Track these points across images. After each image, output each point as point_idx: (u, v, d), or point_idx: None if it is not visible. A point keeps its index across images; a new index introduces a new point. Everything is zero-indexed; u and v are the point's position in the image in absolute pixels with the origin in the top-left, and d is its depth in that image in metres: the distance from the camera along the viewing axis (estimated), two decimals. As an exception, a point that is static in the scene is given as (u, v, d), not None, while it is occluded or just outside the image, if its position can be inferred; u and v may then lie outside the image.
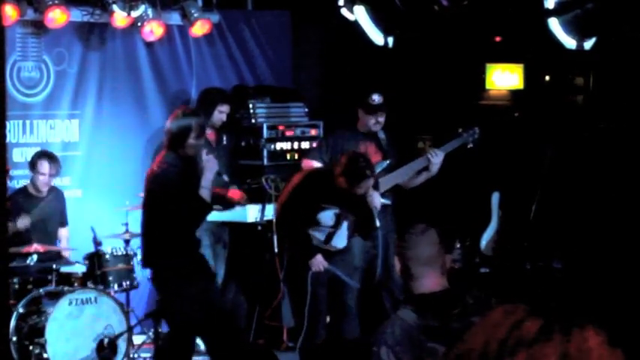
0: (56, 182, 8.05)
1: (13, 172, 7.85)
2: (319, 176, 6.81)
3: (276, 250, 7.51)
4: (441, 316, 3.58)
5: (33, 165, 7.64)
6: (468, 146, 7.47)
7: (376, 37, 7.49)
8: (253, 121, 8.51)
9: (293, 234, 6.85)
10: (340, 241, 6.73)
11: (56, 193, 7.91)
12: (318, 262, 6.73)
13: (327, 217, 6.66)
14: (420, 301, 3.66)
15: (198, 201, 6.22)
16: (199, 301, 6.22)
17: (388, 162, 7.21)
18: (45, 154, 7.69)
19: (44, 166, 7.60)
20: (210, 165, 6.28)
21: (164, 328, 7.71)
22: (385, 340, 3.57)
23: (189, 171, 6.28)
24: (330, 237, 6.72)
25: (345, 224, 6.72)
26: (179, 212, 6.19)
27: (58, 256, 7.67)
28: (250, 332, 7.63)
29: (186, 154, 6.27)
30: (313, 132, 8.70)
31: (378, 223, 6.65)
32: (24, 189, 7.75)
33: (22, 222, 7.42)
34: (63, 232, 7.90)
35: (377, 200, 6.71)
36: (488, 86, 9.22)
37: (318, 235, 6.73)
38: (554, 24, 6.72)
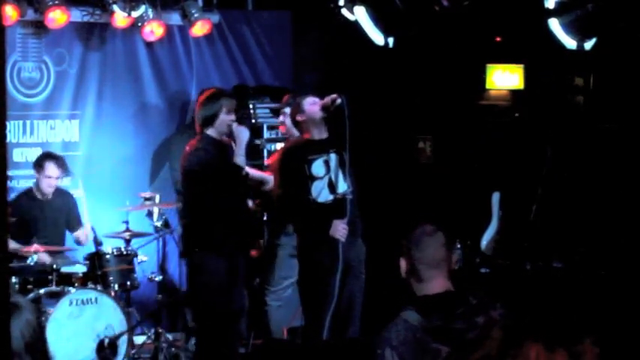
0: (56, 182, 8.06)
1: (13, 172, 7.84)
2: (296, 145, 6.67)
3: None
4: (445, 317, 3.57)
5: (39, 167, 7.59)
6: None
7: (376, 37, 7.47)
8: (253, 121, 8.50)
9: (300, 208, 6.45)
10: (341, 185, 6.44)
11: (62, 195, 7.83)
12: (339, 226, 6.24)
13: (318, 167, 6.48)
14: (424, 303, 3.65)
15: (233, 169, 6.52)
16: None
17: None
18: (51, 156, 7.63)
19: (51, 169, 7.55)
20: (241, 134, 6.62)
21: (164, 328, 7.72)
22: (389, 341, 3.56)
23: (221, 152, 6.57)
24: (332, 185, 6.45)
25: (333, 166, 6.41)
26: (220, 191, 6.45)
27: (58, 256, 7.66)
28: (251, 332, 7.63)
29: (219, 132, 6.60)
30: (314, 132, 8.68)
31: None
32: (29, 191, 7.71)
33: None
34: (79, 233, 7.82)
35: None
36: (488, 86, 9.23)
37: (323, 191, 6.45)
38: (554, 24, 6.71)
